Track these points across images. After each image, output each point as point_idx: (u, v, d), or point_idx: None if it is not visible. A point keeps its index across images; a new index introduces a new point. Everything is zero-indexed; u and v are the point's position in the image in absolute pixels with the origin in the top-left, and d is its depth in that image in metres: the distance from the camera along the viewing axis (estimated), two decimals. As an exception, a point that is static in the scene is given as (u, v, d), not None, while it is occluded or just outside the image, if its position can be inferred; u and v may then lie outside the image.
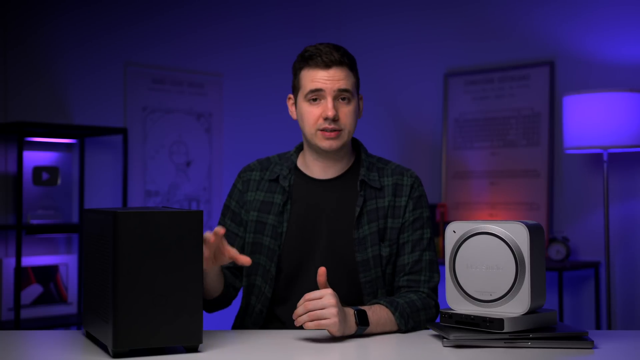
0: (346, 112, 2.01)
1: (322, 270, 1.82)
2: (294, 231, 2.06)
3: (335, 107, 1.99)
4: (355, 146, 2.17)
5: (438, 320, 1.88)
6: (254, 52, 4.75)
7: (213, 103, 4.57)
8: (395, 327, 1.91)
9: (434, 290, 2.05)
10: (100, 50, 4.13)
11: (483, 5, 4.53)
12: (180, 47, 4.45)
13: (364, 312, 1.85)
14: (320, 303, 1.76)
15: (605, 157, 3.76)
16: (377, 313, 1.88)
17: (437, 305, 2.03)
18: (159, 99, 4.35)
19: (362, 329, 1.83)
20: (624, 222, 3.99)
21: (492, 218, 4.38)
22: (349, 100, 2.02)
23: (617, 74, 4.00)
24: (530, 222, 1.74)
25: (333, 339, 1.80)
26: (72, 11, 4.03)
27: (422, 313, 1.97)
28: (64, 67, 3.99)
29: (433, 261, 2.07)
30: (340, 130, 2.01)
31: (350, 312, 1.83)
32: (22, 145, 3.52)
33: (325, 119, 1.99)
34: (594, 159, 4.08)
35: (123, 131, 3.89)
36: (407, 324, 1.91)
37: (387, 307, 1.91)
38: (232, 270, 2.14)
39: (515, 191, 4.32)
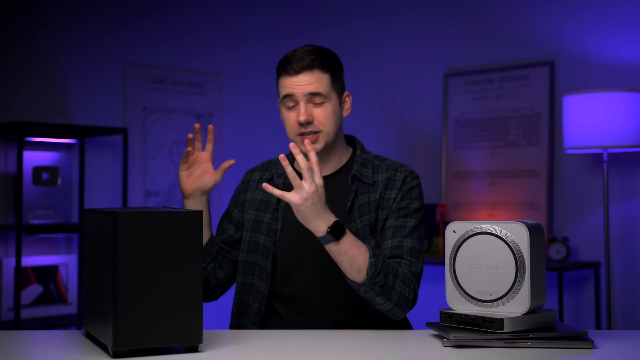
0: (320, 113, 2.04)
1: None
2: (289, 228, 2.08)
3: (308, 111, 2.03)
4: (351, 143, 2.18)
5: (438, 320, 1.88)
6: (254, 52, 4.75)
7: (213, 103, 4.57)
8: (362, 273, 1.86)
9: (416, 277, 1.98)
10: (100, 50, 4.13)
11: (483, 5, 4.53)
12: (180, 47, 4.45)
13: (343, 229, 1.83)
14: (312, 179, 1.79)
15: (605, 157, 3.76)
16: (355, 244, 1.85)
17: (415, 291, 1.96)
18: (159, 99, 4.35)
19: (328, 238, 1.82)
20: (624, 222, 3.99)
21: (492, 218, 4.38)
22: (323, 102, 2.04)
23: (617, 74, 4.00)
24: (530, 222, 1.74)
25: (334, 338, 1.80)
26: (72, 11, 4.04)
27: (398, 283, 1.91)
28: (64, 67, 3.99)
29: (415, 249, 2.01)
30: (318, 132, 2.04)
31: (330, 218, 1.83)
32: (22, 145, 3.52)
33: (300, 124, 2.03)
34: (594, 159, 4.08)
35: (123, 131, 3.89)
36: (375, 275, 1.85)
37: (368, 250, 1.87)
38: (220, 256, 2.18)
39: (515, 191, 4.32)
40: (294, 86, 2.04)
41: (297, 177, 1.79)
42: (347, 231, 1.85)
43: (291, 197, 1.79)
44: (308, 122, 2.03)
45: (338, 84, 2.09)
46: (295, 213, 1.82)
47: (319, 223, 1.82)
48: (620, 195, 3.99)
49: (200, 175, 2.12)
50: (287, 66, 2.05)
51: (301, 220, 1.82)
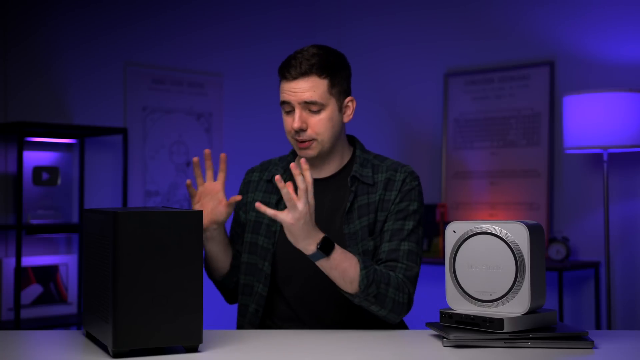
0: (315, 122, 2.02)
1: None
2: None
3: (303, 118, 2.01)
4: (352, 143, 2.17)
5: (438, 320, 1.88)
6: (254, 52, 4.75)
7: (213, 103, 4.57)
8: (355, 285, 1.87)
9: (411, 281, 1.98)
10: (100, 50, 4.13)
11: (483, 5, 4.53)
12: (180, 47, 4.45)
13: (332, 244, 1.84)
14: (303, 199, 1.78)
15: (605, 157, 3.76)
16: (345, 257, 1.86)
17: (410, 295, 1.97)
18: (159, 99, 4.35)
19: (318, 255, 1.82)
20: (624, 222, 3.99)
21: (492, 218, 4.38)
22: (319, 110, 2.02)
23: (617, 74, 4.00)
24: (530, 222, 1.74)
25: (334, 338, 1.80)
26: (72, 11, 4.04)
27: (391, 290, 1.92)
28: (64, 67, 3.99)
29: (412, 252, 2.01)
30: (312, 140, 2.03)
31: (318, 235, 1.82)
32: (22, 145, 3.52)
33: (295, 130, 2.02)
34: (594, 159, 4.08)
35: (123, 131, 3.89)
36: (368, 287, 1.87)
37: (358, 261, 1.88)
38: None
39: (515, 191, 4.32)
40: (290, 93, 2.01)
41: (292, 197, 1.77)
42: (336, 246, 1.85)
43: (284, 216, 1.78)
44: (302, 130, 2.01)
45: (338, 89, 2.04)
46: (286, 232, 1.81)
47: (309, 242, 1.81)
48: (620, 195, 4.00)
49: (214, 207, 2.05)
50: (285, 71, 2.03)
51: (291, 240, 1.81)
